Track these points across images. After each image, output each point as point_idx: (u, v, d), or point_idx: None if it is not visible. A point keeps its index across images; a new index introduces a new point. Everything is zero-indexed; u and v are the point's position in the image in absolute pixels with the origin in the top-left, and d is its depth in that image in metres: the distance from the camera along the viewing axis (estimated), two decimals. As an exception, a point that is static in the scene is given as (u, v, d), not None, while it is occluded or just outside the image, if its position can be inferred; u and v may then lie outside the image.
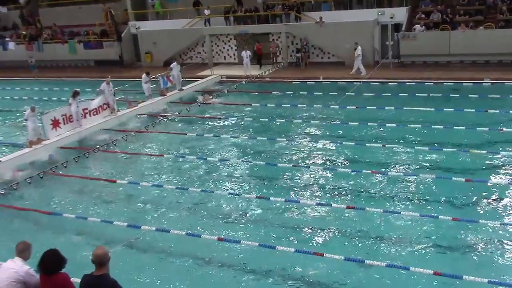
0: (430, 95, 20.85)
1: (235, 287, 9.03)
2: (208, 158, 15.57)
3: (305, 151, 15.73)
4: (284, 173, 14.05)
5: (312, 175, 13.78)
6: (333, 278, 8.94)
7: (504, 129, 16.04)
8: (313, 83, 25.49)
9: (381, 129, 17.11)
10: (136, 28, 34.71)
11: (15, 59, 36.85)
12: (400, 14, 28.07)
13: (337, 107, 20.14)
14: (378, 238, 10.25)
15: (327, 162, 14.72)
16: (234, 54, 32.28)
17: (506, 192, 11.90)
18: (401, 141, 15.83)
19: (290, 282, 8.95)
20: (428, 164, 13.93)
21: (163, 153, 16.51)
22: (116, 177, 14.61)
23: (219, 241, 10.36)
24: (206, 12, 32.38)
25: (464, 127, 16.22)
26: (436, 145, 15.03)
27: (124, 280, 6.30)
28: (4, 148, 18.32)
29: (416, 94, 21.09)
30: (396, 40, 27.03)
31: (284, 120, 19.14)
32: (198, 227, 11.21)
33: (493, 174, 12.89)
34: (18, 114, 22.39)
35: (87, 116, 19.56)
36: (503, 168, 13.33)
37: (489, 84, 22.20)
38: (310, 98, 22.41)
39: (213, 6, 32.81)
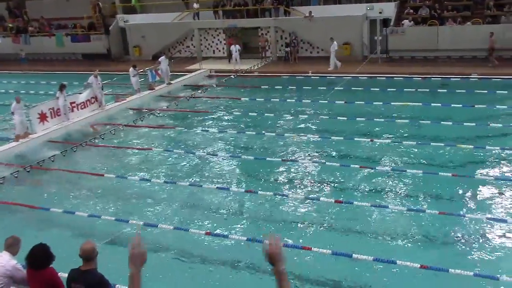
0: (418, 90, 20.96)
1: (223, 281, 9.05)
2: (196, 152, 15.55)
3: (294, 146, 15.75)
4: (272, 167, 14.07)
5: (300, 169, 13.82)
6: (320, 272, 8.99)
7: (491, 124, 16.18)
8: (302, 77, 25.50)
9: (370, 124, 17.17)
10: (124, 22, 34.44)
11: (1, 51, 36.47)
12: (388, 9, 28.14)
13: (326, 101, 20.18)
14: (366, 232, 10.32)
15: (316, 157, 14.76)
16: (223, 48, 32.18)
17: (492, 186, 12.02)
18: (389, 136, 15.91)
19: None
20: (415, 159, 14.02)
21: (151, 147, 16.45)
22: (104, 171, 14.54)
23: (207, 235, 10.37)
24: (195, 5, 32.22)
25: (451, 122, 16.32)
26: (423, 140, 15.12)
27: (112, 275, 6.29)
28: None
29: (404, 89, 21.19)
30: (384, 35, 27.11)
31: (273, 115, 19.14)
32: (187, 221, 11.20)
33: (479, 169, 13.00)
34: (4, 108, 22.11)
35: (74, 109, 19.41)
36: (490, 163, 13.47)
37: (476, 79, 22.36)
38: (299, 93, 22.43)
39: (202, 0, 32.66)
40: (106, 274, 5.98)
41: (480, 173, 12.71)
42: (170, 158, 15.37)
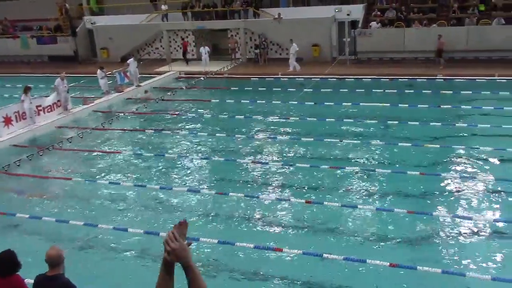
0: (386, 91, 21.28)
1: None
2: (166, 155, 15.42)
3: (264, 147, 15.80)
4: (243, 169, 14.07)
5: (271, 171, 13.86)
6: (292, 273, 9.02)
7: (456, 124, 16.54)
8: (272, 79, 25.59)
9: (339, 124, 17.33)
10: (92, 23, 33.96)
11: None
12: (356, 11, 28.51)
13: (296, 103, 20.29)
14: (336, 232, 10.40)
15: (286, 158, 14.82)
16: (192, 50, 32.04)
17: (458, 185, 12.28)
18: (358, 136, 16.10)
19: (250, 277, 8.99)
20: (384, 159, 14.24)
21: (120, 150, 16.25)
22: (71, 175, 14.29)
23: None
24: (164, 7, 32.00)
25: (418, 122, 16.61)
26: (391, 140, 15.36)
27: (79, 280, 6.19)
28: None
29: (373, 90, 21.48)
30: (353, 36, 27.45)
31: (243, 117, 19.13)
32: (156, 225, 11.10)
33: (446, 168, 13.28)
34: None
35: (41, 113, 19.02)
36: (456, 161, 13.77)
37: (442, 80, 22.84)
38: (269, 94, 22.48)
39: (170, 1, 32.47)
40: (74, 279, 5.88)
41: (447, 172, 12.97)
42: (140, 161, 15.20)
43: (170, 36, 32.15)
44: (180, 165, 14.71)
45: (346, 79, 24.07)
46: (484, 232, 10.13)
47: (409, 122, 16.72)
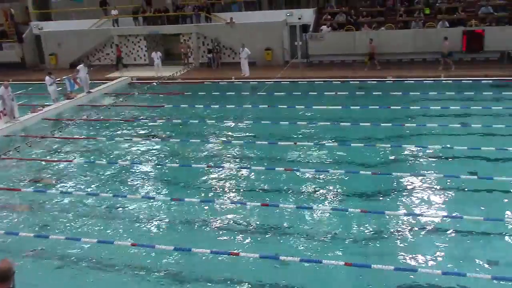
0: (338, 93, 21.65)
1: (151, 291, 8.88)
2: (119, 162, 15.16)
3: (219, 151, 15.77)
4: (198, 174, 13.99)
5: (226, 175, 13.84)
6: (249, 277, 9.02)
7: (406, 124, 17.01)
8: (225, 83, 25.61)
9: (292, 127, 17.50)
10: (39, 29, 33.08)
11: None
12: (307, 15, 28.96)
13: (250, 106, 20.37)
14: (292, 234, 10.49)
15: (241, 161, 14.85)
16: (144, 55, 31.68)
17: (410, 183, 12.62)
18: (311, 138, 16.30)
19: (208, 283, 8.94)
20: (337, 160, 14.48)
21: (71, 158, 15.85)
22: (20, 185, 13.84)
23: (132, 246, 10.12)
24: (113, 12, 31.51)
25: (369, 123, 16.96)
26: (344, 141, 15.64)
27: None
28: None
29: (325, 93, 21.81)
30: (304, 40, 27.83)
31: (197, 121, 19.04)
32: (111, 234, 10.89)
33: (397, 167, 13.61)
34: None
35: (-14, 122, 18.36)
36: (406, 161, 14.17)
37: (391, 81, 23.44)
38: (223, 98, 22.46)
39: (120, 6, 32.02)
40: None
41: (398, 171, 13.28)
42: (92, 169, 14.86)
43: (121, 42, 31.66)
44: (134, 172, 14.48)
45: (299, 82, 24.36)
46: (433, 227, 10.43)
47: (360, 123, 17.06)
